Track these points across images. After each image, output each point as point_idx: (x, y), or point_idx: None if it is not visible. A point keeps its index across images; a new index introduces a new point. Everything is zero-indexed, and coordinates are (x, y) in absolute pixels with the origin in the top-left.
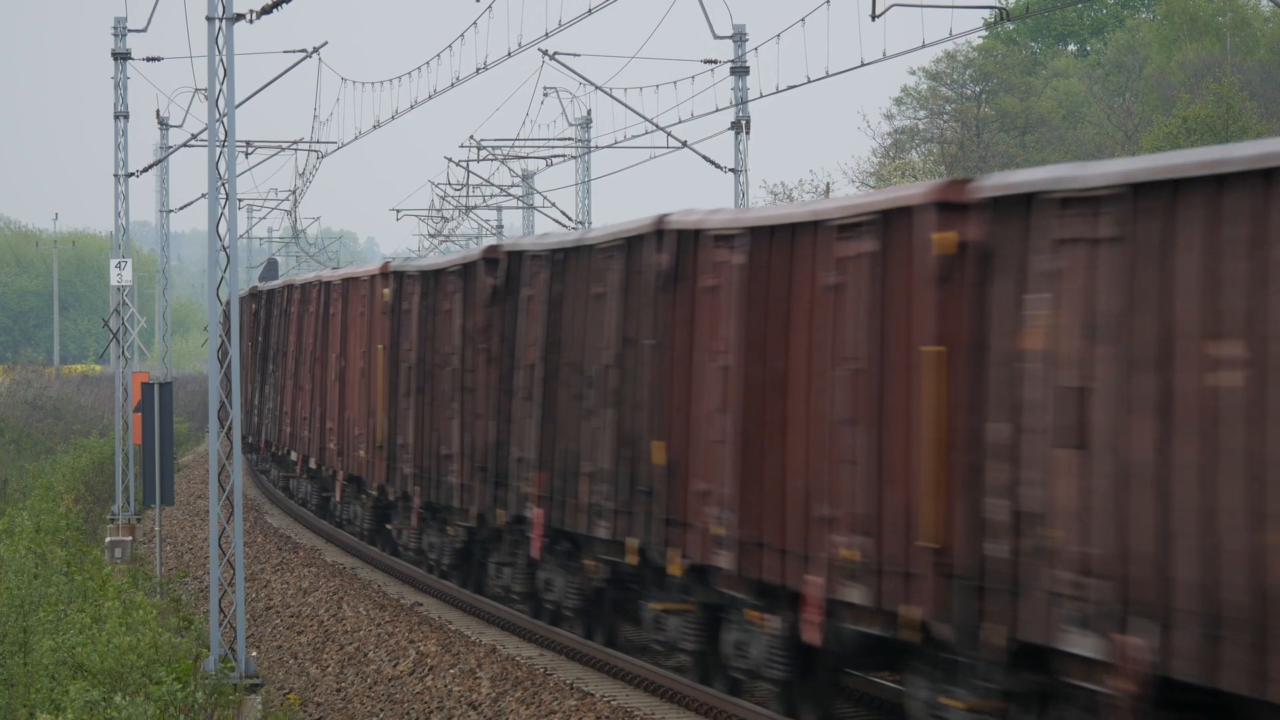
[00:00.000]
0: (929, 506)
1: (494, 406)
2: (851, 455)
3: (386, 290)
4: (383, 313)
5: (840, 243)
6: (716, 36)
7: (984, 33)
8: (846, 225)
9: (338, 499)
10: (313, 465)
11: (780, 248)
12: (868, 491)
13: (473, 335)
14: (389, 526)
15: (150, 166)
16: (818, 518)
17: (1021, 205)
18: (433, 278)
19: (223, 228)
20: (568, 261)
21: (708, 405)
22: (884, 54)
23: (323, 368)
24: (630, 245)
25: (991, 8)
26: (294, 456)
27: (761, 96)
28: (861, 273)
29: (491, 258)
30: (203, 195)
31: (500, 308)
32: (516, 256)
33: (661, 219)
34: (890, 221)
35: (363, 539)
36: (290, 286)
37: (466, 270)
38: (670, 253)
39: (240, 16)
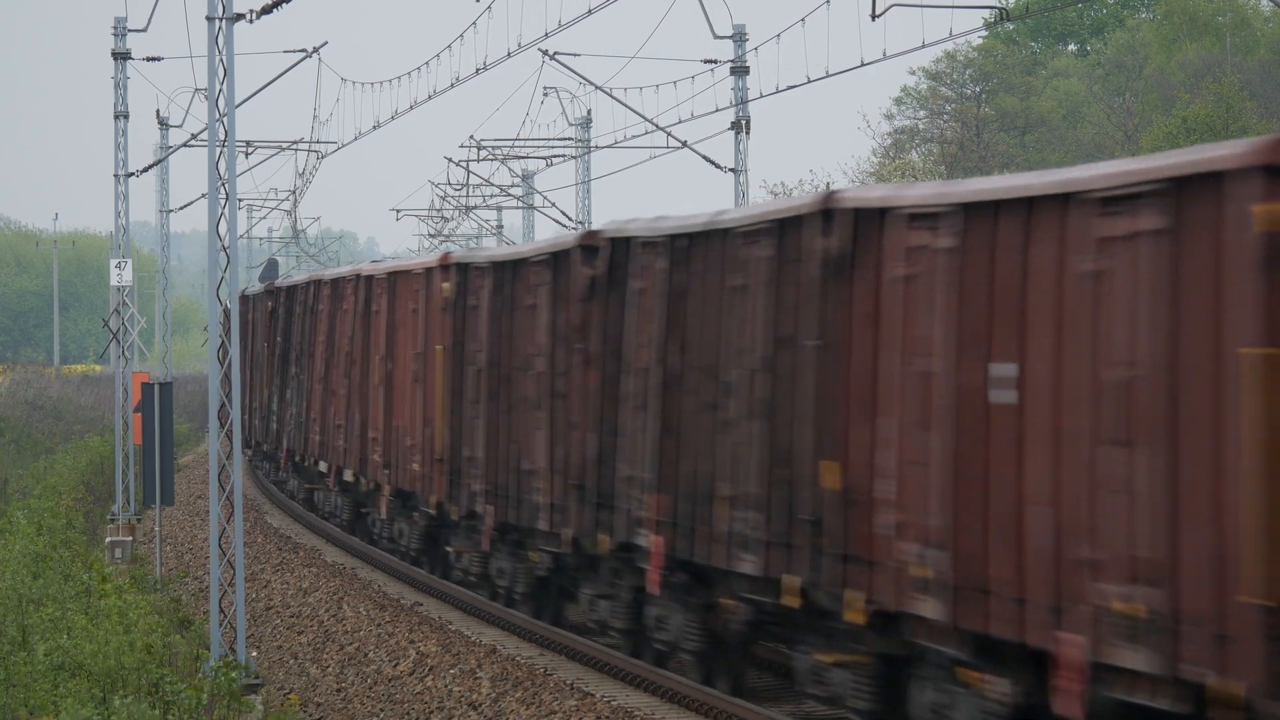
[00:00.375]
0: (1255, 552)
1: (595, 416)
2: (1125, 484)
3: (447, 284)
4: (442, 309)
5: (1104, 220)
6: (716, 36)
7: (984, 33)
8: (1115, 198)
9: (382, 516)
10: (348, 478)
11: (1010, 227)
12: (1154, 530)
13: (565, 334)
14: (449, 549)
15: (150, 166)
16: (1075, 560)
17: None
18: (509, 269)
19: (223, 228)
20: (694, 248)
21: (903, 419)
22: (884, 54)
23: (363, 371)
24: (783, 228)
25: (991, 8)
26: (323, 467)
27: (761, 96)
28: (1138, 256)
29: (590, 245)
30: (203, 195)
31: (601, 302)
32: (622, 243)
33: (830, 196)
34: (1186, 191)
35: (406, 559)
36: (318, 282)
37: (556, 260)
38: (843, 236)
39: (240, 16)
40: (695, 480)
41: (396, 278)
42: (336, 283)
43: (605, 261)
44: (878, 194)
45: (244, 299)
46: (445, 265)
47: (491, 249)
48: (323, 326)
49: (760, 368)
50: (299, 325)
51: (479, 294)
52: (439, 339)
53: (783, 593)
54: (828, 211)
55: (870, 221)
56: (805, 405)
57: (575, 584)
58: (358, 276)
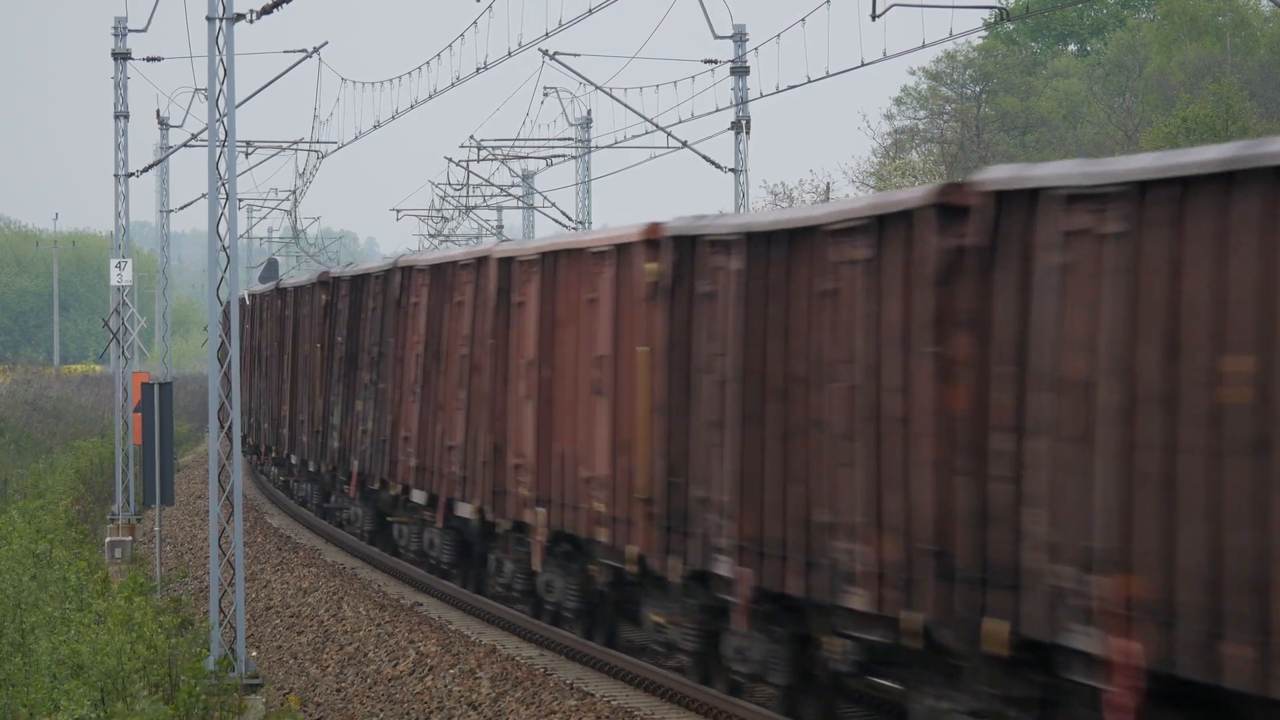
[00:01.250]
0: None
1: (967, 451)
2: None
3: (654, 265)
4: (647, 298)
5: None
6: (717, 36)
7: (984, 33)
8: None
9: (535, 567)
10: (466, 514)
11: None
12: None
13: (904, 333)
14: (656, 618)
15: (150, 166)
16: None
17: None
18: (780, 242)
19: (223, 228)
20: (1192, 198)
21: None
22: (884, 54)
23: (497, 379)
24: None
25: (991, 8)
26: (420, 498)
27: (762, 96)
28: None
29: (953, 204)
30: (203, 195)
31: (972, 285)
32: (1019, 199)
33: None
34: None
35: (555, 621)
36: (409, 269)
37: (883, 226)
38: None
39: (240, 16)
40: (1218, 558)
41: (558, 259)
42: (443, 269)
43: (984, 227)
44: None
45: (279, 292)
46: (653, 239)
47: (736, 216)
48: (416, 323)
49: None
50: (374, 322)
51: (717, 277)
52: (642, 337)
53: None
54: None
55: None
56: None
57: (910, 685)
58: (482, 260)
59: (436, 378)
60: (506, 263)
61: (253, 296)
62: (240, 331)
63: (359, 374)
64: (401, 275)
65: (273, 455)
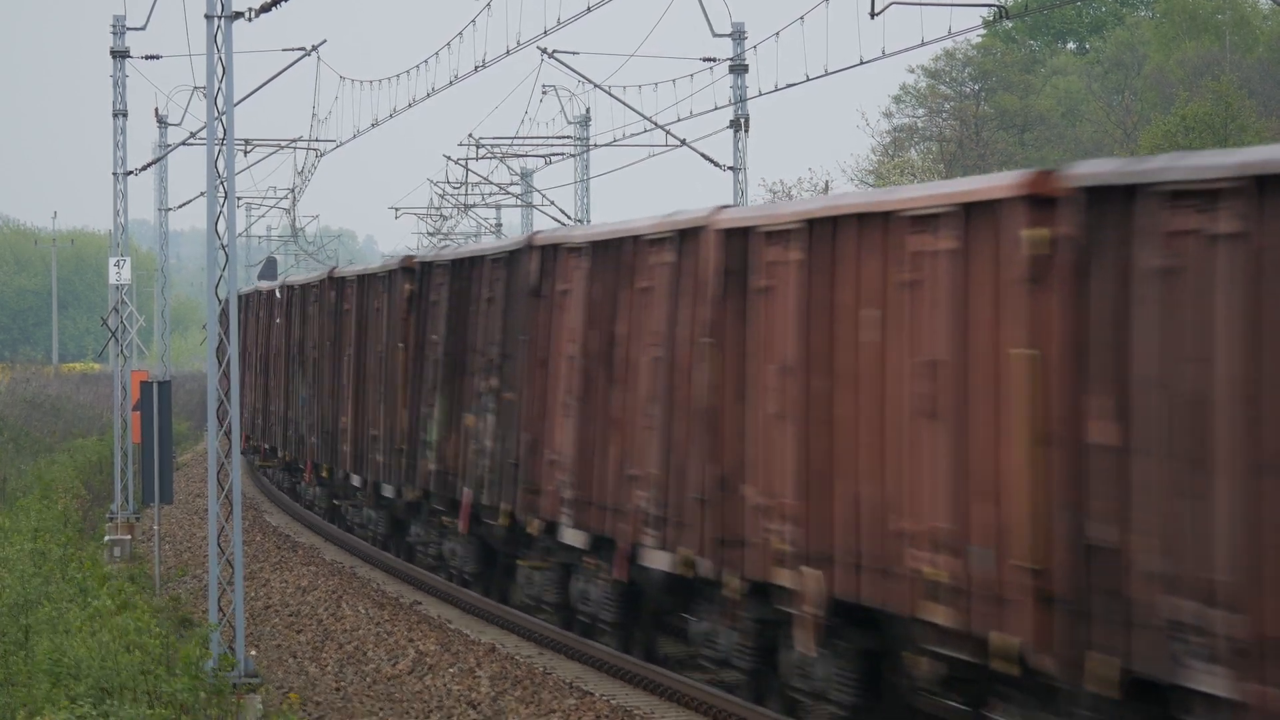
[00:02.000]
0: None
1: None
2: None
3: (1040, 232)
4: (1029, 280)
5: None
6: (715, 34)
7: (983, 31)
8: None
9: (808, 649)
10: (665, 565)
11: None
12: None
13: None
14: None
15: (149, 165)
16: None
17: None
18: None
19: (221, 226)
20: None
21: None
22: (883, 52)
23: (725, 390)
24: None
25: (990, 6)
26: (575, 539)
27: (760, 94)
28: None
29: None
30: (201, 193)
31: None
32: None
33: None
34: None
35: (789, 711)
36: (554, 247)
37: None
38: None
39: (239, 14)
40: None
41: (837, 227)
42: (615, 246)
43: None
44: None
45: (334, 281)
46: (1042, 195)
47: (1222, 152)
48: (569, 317)
49: None
50: (492, 316)
51: (1184, 246)
52: (1017, 336)
53: None
54: None
55: None
56: None
57: None
58: (690, 232)
59: (607, 387)
60: (738, 235)
61: (287, 288)
62: (270, 329)
63: (469, 380)
64: (541, 256)
65: (321, 474)
